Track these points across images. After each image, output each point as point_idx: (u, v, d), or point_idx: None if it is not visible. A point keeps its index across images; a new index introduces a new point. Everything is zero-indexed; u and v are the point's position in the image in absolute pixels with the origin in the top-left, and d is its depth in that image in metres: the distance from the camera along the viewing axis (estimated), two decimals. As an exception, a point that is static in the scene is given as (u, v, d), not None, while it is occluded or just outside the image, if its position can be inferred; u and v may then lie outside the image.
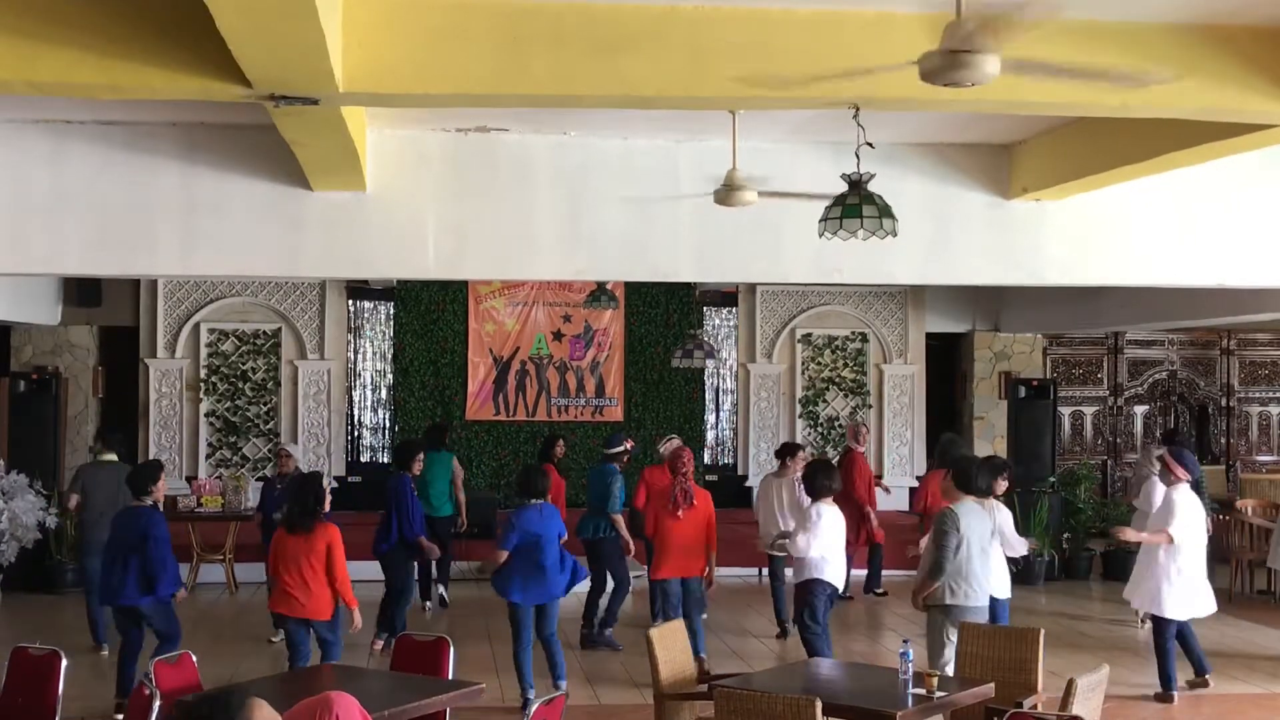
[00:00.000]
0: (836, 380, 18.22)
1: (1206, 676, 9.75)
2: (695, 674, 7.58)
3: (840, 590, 9.69)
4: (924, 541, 8.69)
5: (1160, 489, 10.44)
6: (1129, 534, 10.07)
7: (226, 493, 14.05)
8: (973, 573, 7.87)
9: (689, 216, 9.95)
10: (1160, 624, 9.50)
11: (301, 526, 8.39)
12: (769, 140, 9.85)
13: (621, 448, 11.80)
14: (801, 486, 10.21)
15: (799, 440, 17.60)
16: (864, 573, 13.52)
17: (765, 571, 12.66)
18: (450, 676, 7.02)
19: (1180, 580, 9.35)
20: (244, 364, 17.11)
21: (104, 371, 17.03)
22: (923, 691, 6.45)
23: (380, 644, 10.81)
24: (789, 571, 10.51)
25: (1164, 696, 9.47)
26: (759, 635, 11.71)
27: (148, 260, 9.87)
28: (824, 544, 9.11)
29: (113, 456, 11.50)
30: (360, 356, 17.78)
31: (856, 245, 7.84)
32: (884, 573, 13.51)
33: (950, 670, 7.56)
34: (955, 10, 5.50)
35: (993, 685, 6.83)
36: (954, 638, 7.67)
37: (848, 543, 12.26)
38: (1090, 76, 5.98)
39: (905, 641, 6.80)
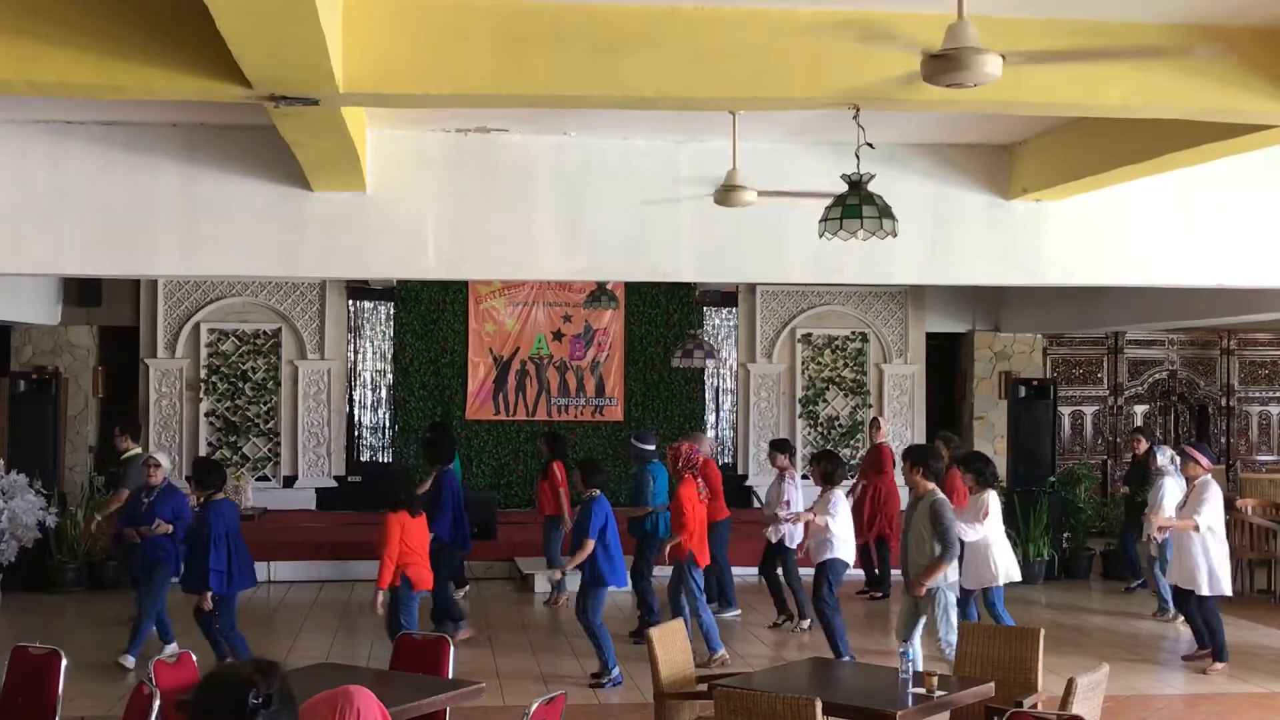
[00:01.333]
0: (836, 380, 18.23)
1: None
2: (693, 672, 7.58)
3: (850, 566, 10.70)
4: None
5: (1172, 485, 10.86)
6: (1159, 520, 10.88)
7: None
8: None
9: (689, 216, 9.96)
10: (1212, 601, 10.33)
11: (419, 510, 9.42)
12: (769, 141, 9.85)
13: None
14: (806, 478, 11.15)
15: (798, 440, 17.65)
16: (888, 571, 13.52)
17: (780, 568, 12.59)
18: (450, 676, 7.02)
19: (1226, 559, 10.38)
20: (244, 364, 17.12)
21: (104, 371, 17.03)
22: (923, 691, 6.45)
23: (467, 632, 11.23)
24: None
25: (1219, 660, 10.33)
26: (759, 634, 11.70)
27: (148, 260, 9.88)
28: (845, 524, 10.45)
29: (139, 450, 12.03)
30: (360, 356, 17.79)
31: (856, 245, 7.84)
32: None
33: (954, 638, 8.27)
34: (956, 11, 5.51)
35: (993, 685, 6.83)
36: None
37: (885, 536, 12.67)
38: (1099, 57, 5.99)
39: (905, 641, 6.80)
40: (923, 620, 8.69)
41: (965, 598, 10.13)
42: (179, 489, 10.74)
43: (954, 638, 8.26)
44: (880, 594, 13.26)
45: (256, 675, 3.21)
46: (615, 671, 9.76)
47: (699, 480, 10.54)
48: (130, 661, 10.09)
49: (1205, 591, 10.25)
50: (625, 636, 10.91)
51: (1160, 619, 12.30)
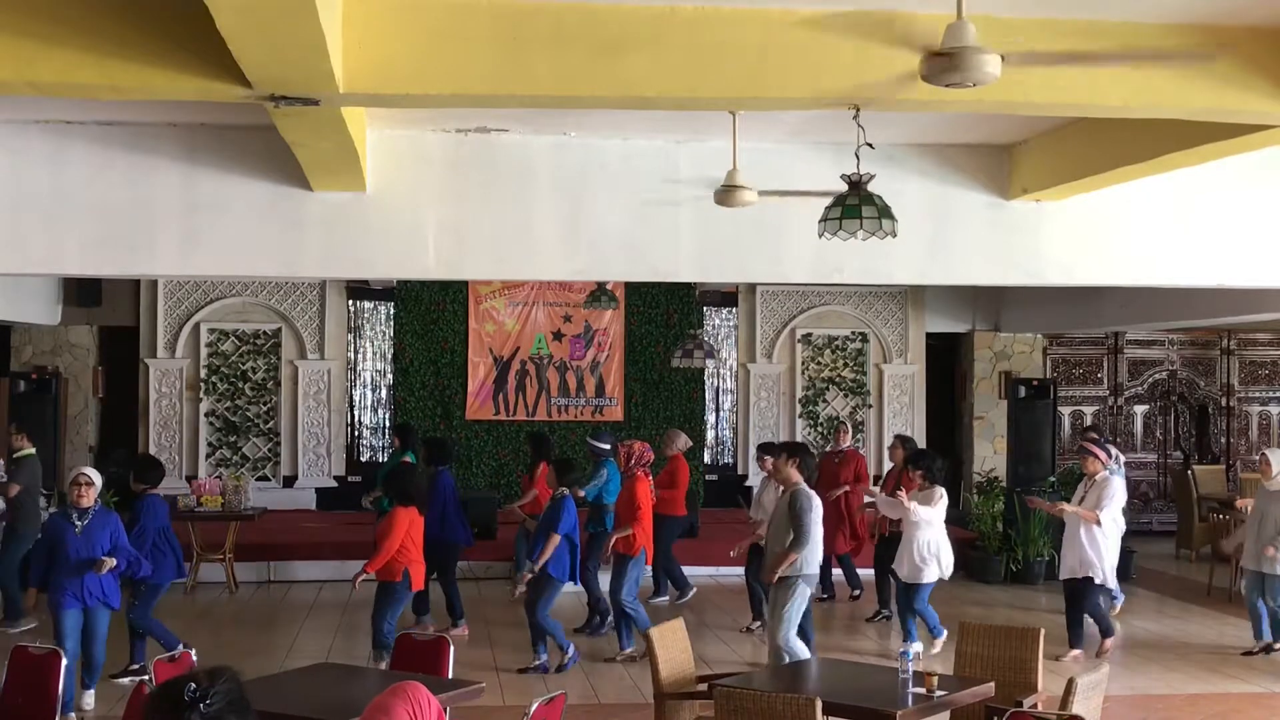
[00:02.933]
0: (836, 380, 18.22)
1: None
2: (693, 672, 7.59)
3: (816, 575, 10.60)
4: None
5: (1119, 483, 11.05)
6: (1065, 507, 11.10)
7: (226, 492, 14.04)
8: (817, 544, 8.83)
9: (689, 216, 9.96)
10: (1097, 591, 10.91)
11: (425, 507, 9.56)
12: (769, 141, 9.85)
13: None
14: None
15: (799, 440, 17.66)
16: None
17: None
18: (450, 676, 7.02)
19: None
20: (244, 364, 17.13)
21: (104, 371, 17.03)
22: (923, 691, 6.45)
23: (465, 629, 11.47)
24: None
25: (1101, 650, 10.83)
26: (758, 634, 11.69)
27: (148, 260, 9.88)
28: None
29: (32, 450, 12.18)
30: (360, 356, 17.80)
31: (856, 245, 7.85)
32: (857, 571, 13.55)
33: (792, 637, 8.70)
34: (956, 11, 5.51)
35: (993, 685, 6.83)
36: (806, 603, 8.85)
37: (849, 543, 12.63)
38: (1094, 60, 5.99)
39: (905, 641, 6.80)
40: (794, 610, 8.79)
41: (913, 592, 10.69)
42: (113, 511, 9.38)
43: (790, 636, 8.66)
44: (827, 596, 13.28)
45: (200, 675, 3.33)
46: (544, 659, 10.09)
47: (649, 479, 10.74)
48: (90, 700, 9.01)
49: (1099, 580, 10.75)
50: (571, 633, 11.06)
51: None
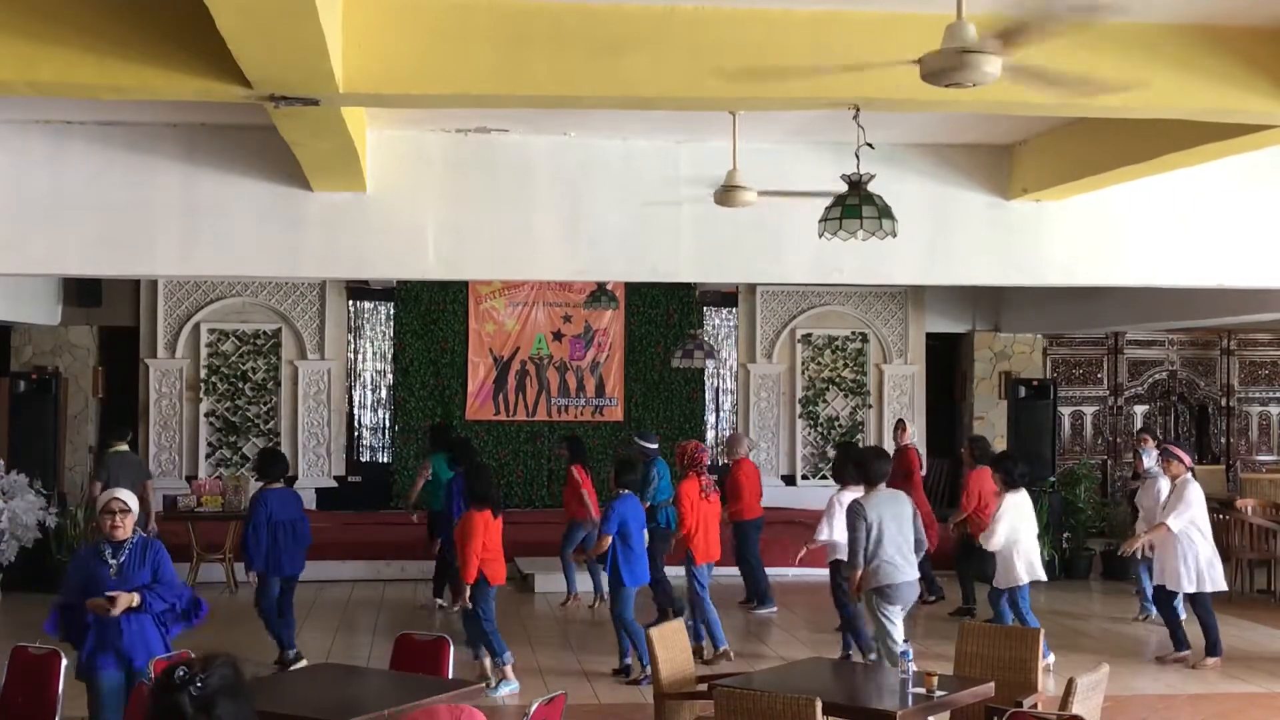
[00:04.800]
0: (836, 380, 18.23)
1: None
2: (693, 672, 7.58)
3: None
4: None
5: (1167, 486, 10.67)
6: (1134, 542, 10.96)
7: (226, 493, 14.04)
8: (887, 553, 8.26)
9: (689, 216, 9.97)
10: (1206, 598, 10.37)
11: (500, 509, 9.58)
12: (769, 141, 9.86)
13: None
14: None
15: (798, 440, 17.68)
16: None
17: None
18: (450, 676, 7.02)
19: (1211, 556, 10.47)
20: (244, 364, 17.13)
21: (104, 371, 17.03)
22: (923, 691, 6.45)
23: None
24: None
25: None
26: (759, 634, 11.71)
27: (148, 260, 9.89)
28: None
29: (124, 447, 12.38)
30: (360, 356, 17.80)
31: (856, 245, 7.85)
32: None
33: (898, 649, 7.97)
34: (956, 11, 5.51)
35: (993, 685, 6.83)
36: (896, 618, 8.26)
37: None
38: (1085, 86, 6.00)
39: (905, 641, 6.80)
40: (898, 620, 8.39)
41: (997, 597, 10.22)
42: (156, 540, 7.15)
43: (898, 643, 8.04)
44: (934, 599, 13.07)
45: (194, 660, 3.35)
46: (628, 661, 9.86)
47: (702, 478, 10.64)
48: None
49: (1191, 589, 10.33)
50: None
51: (1139, 619, 12.28)
